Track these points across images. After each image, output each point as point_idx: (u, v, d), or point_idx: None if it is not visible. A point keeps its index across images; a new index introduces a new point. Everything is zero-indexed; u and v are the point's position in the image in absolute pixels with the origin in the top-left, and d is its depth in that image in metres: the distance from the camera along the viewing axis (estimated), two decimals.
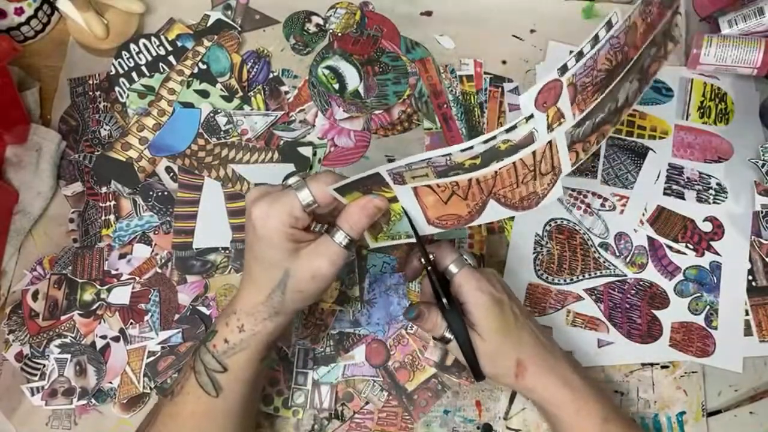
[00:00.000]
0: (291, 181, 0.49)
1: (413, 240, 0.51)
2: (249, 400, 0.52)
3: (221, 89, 0.71)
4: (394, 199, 0.49)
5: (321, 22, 0.75)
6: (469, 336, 0.52)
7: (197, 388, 0.49)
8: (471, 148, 0.42)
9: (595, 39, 0.42)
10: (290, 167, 0.68)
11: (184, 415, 0.50)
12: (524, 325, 0.53)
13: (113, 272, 0.66)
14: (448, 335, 0.53)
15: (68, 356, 0.63)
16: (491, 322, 0.52)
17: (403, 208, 0.49)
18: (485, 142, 0.42)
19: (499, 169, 0.45)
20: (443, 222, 0.51)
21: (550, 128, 0.43)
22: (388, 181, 0.46)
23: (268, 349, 0.51)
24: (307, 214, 0.48)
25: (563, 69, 0.41)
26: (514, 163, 0.44)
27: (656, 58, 0.50)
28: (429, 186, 0.47)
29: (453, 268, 0.53)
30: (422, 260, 0.53)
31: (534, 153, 0.44)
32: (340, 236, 0.48)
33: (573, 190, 0.68)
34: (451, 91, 0.72)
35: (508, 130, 0.42)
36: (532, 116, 0.42)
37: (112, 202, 0.68)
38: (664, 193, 0.68)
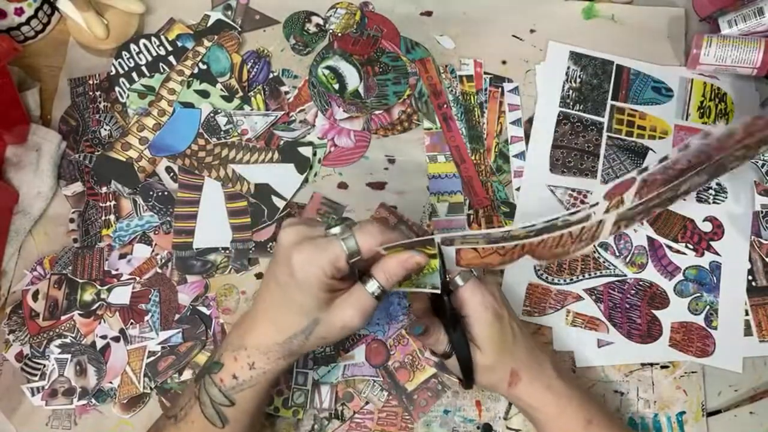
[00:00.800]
0: (335, 230, 0.47)
1: (437, 291, 0.50)
2: (253, 425, 0.52)
3: (221, 89, 0.72)
4: (433, 256, 0.48)
5: (321, 22, 0.75)
6: (470, 350, 0.52)
7: (202, 419, 0.49)
8: (533, 225, 0.43)
9: (685, 147, 0.42)
10: (290, 167, 0.68)
11: None
12: (520, 338, 0.54)
13: (113, 272, 0.66)
14: (448, 350, 0.54)
15: (68, 356, 0.63)
16: (492, 337, 0.52)
17: (439, 265, 0.49)
18: (547, 221, 0.43)
19: (547, 237, 0.46)
20: (470, 265, 0.51)
21: (607, 211, 0.44)
22: (437, 242, 0.47)
23: (277, 382, 0.51)
24: (348, 266, 0.46)
25: (643, 170, 0.42)
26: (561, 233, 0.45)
27: (742, 159, 0.48)
28: (474, 247, 0.47)
29: (459, 281, 0.53)
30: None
31: (583, 227, 0.45)
32: (373, 286, 0.47)
33: (573, 190, 0.68)
34: (451, 91, 0.72)
35: (571, 214, 0.43)
36: (597, 204, 0.43)
37: (113, 202, 0.68)
38: None
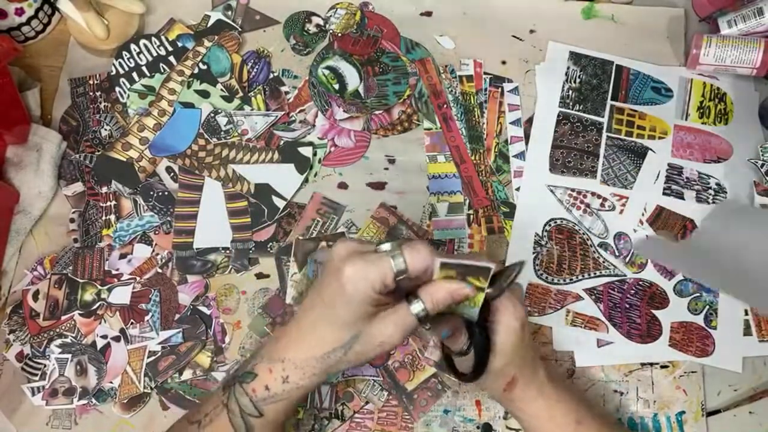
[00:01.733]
0: (385, 247, 0.47)
1: (470, 319, 0.51)
2: None
3: (221, 89, 0.72)
4: (481, 289, 0.48)
5: (321, 22, 0.75)
6: (489, 354, 0.52)
7: (228, 427, 0.48)
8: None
9: None
10: (290, 167, 0.69)
11: None
12: (528, 346, 0.54)
13: (114, 272, 0.66)
14: (464, 349, 0.53)
15: (69, 356, 0.63)
16: (512, 345, 0.52)
17: (484, 300, 0.49)
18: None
19: None
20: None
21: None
22: (490, 274, 0.47)
23: (307, 397, 0.51)
24: (395, 283, 0.47)
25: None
26: None
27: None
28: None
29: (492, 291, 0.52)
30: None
31: None
32: (417, 307, 0.47)
33: (573, 190, 0.68)
34: (451, 91, 0.72)
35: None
36: None
37: (113, 202, 0.68)
38: (664, 193, 0.68)
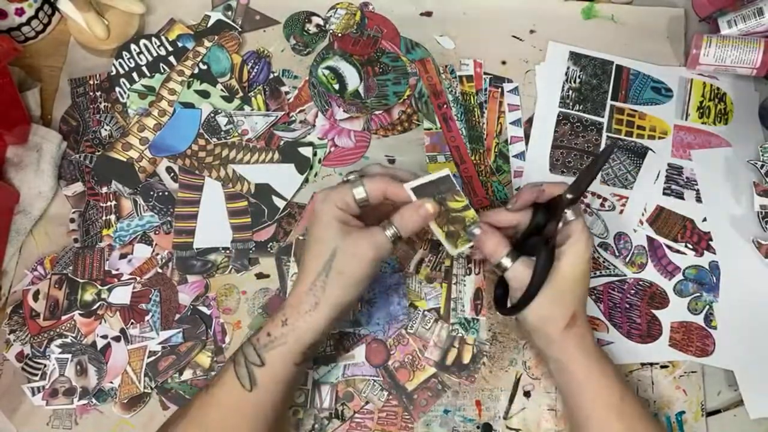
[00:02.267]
0: (350, 177, 0.54)
1: (470, 238, 0.55)
2: (279, 403, 0.52)
3: (222, 89, 0.72)
4: (467, 207, 0.53)
5: (321, 22, 0.75)
6: (549, 269, 0.53)
7: (234, 378, 0.51)
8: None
9: None
10: (291, 167, 0.69)
11: (216, 405, 0.51)
12: (588, 285, 0.55)
13: (114, 272, 0.66)
14: (506, 262, 0.54)
15: (69, 356, 0.63)
16: (577, 272, 0.53)
17: (476, 214, 0.54)
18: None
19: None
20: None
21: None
22: (458, 188, 0.53)
23: (302, 354, 0.52)
24: (358, 206, 0.53)
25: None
26: None
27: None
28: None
29: (570, 215, 0.54)
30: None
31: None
32: (389, 230, 0.52)
33: None
34: (451, 91, 0.72)
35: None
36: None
37: (113, 202, 0.68)
38: (664, 193, 0.68)
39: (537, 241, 0.54)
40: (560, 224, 0.54)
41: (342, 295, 0.51)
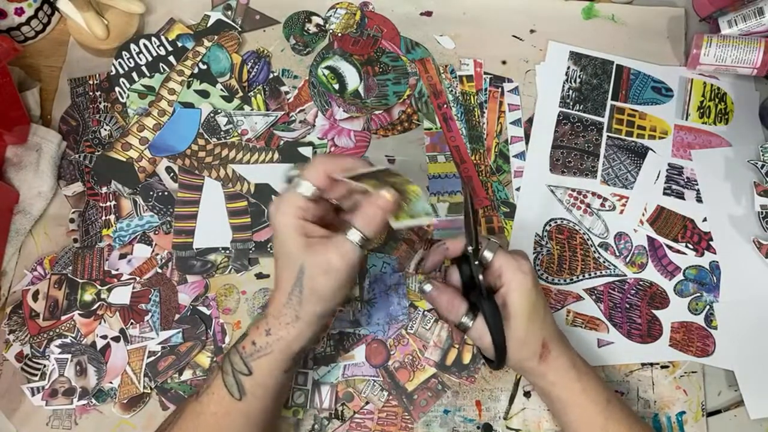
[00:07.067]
0: (292, 173, 0.50)
1: (433, 219, 0.51)
2: (270, 410, 0.52)
3: (221, 89, 0.72)
4: (407, 181, 0.50)
5: (321, 22, 0.75)
6: (503, 324, 0.51)
7: (222, 388, 0.50)
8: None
9: None
10: (290, 167, 0.68)
11: (206, 414, 0.50)
12: (546, 305, 0.53)
13: (114, 272, 0.66)
14: (466, 321, 0.52)
15: (69, 356, 0.63)
16: (528, 304, 0.51)
17: (419, 188, 0.50)
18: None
19: None
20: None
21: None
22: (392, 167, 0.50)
23: (291, 360, 0.51)
24: (316, 203, 0.49)
25: None
26: None
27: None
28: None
29: (487, 253, 0.53)
30: (449, 247, 0.54)
31: None
32: (353, 234, 0.48)
33: (573, 190, 0.68)
34: (451, 91, 0.72)
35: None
36: None
37: (113, 202, 0.68)
38: (664, 193, 0.68)
39: (476, 297, 0.53)
40: (482, 271, 0.52)
41: (321, 308, 0.50)
